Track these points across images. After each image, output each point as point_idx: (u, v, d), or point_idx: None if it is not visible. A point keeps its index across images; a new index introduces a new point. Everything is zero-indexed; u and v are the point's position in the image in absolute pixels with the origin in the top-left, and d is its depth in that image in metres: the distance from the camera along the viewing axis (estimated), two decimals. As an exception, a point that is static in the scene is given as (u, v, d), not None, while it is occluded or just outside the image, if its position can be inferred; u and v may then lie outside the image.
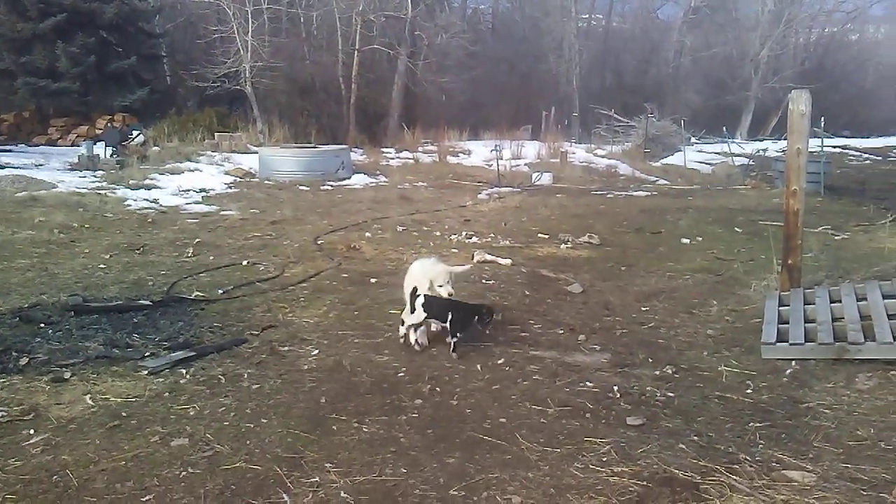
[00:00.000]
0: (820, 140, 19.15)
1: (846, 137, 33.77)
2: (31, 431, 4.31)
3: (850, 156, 28.49)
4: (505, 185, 17.96)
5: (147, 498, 3.64)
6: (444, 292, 5.89)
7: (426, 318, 5.77)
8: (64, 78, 24.59)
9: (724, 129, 27.26)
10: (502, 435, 4.46)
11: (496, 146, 21.22)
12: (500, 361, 5.70)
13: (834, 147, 27.33)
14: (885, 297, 6.17)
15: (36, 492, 3.68)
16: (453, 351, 5.72)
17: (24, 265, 8.19)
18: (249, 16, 25.10)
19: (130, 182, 14.72)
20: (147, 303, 6.83)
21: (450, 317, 5.65)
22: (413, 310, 5.75)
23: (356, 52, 27.63)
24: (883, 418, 4.63)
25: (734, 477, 3.89)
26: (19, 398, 4.73)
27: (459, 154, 24.29)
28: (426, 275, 5.96)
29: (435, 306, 5.75)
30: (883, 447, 4.24)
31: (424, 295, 5.72)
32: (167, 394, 4.90)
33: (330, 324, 6.55)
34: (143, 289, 7.48)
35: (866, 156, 28.63)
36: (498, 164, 19.72)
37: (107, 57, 25.53)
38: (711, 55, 41.75)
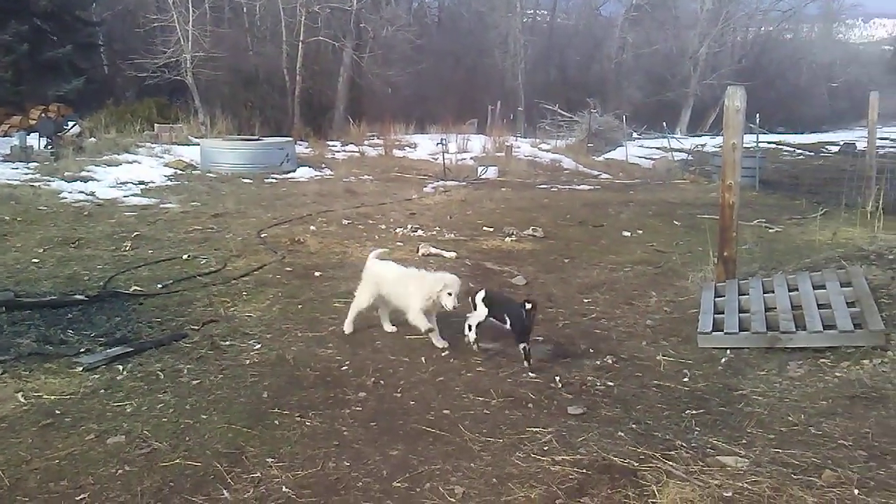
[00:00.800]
0: (755, 136, 19.72)
1: (781, 133, 34.83)
2: (-41, 431, 4.17)
3: (785, 151, 29.39)
4: (451, 178, 17.99)
5: (82, 497, 3.55)
6: (450, 304, 5.66)
7: (488, 315, 5.59)
8: (-5, 67, 23.67)
9: (665, 124, 27.87)
10: (446, 426, 4.49)
11: (442, 140, 21.23)
12: (444, 353, 5.72)
13: (769, 143, 28.14)
14: (815, 287, 6.39)
15: (-36, 493, 3.56)
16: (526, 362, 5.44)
17: (-49, 260, 7.89)
18: (190, 4, 24.54)
19: (66, 174, 14.25)
20: (82, 298, 6.64)
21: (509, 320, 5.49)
22: (475, 307, 5.63)
23: (301, 43, 27.28)
24: (813, 404, 4.80)
25: (670, 463, 4.00)
26: (-54, 397, 4.56)
27: (405, 147, 24.23)
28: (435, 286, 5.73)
29: (496, 303, 5.63)
30: (813, 432, 4.40)
31: (486, 290, 5.72)
32: (103, 390, 4.79)
33: (273, 317, 6.48)
34: (79, 283, 7.27)
35: (799, 151, 29.58)
36: (444, 158, 19.74)
37: (41, 45, 24.64)
38: (652, 52, 42.56)
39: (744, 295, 6.62)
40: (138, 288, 7.18)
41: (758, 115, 19.31)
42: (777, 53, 48.56)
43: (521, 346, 5.40)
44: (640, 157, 24.11)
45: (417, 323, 5.80)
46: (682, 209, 13.47)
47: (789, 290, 6.46)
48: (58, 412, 4.45)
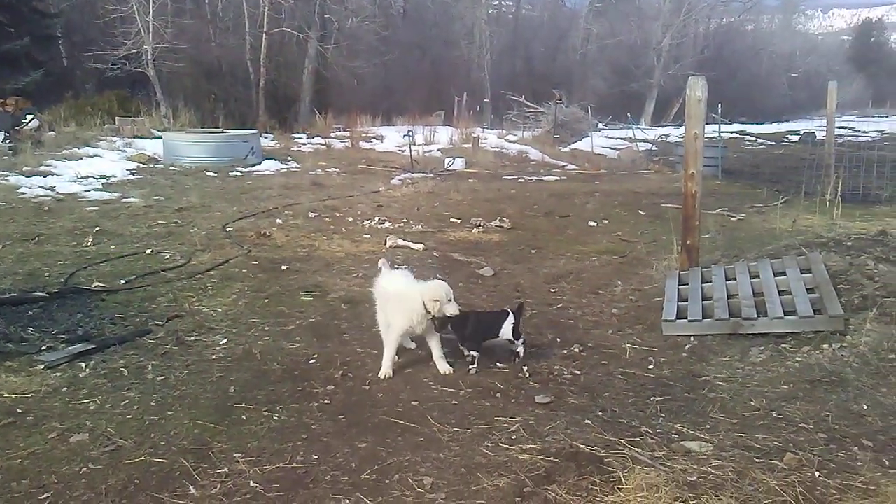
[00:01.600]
0: (717, 126, 19.98)
1: (742, 123, 35.37)
2: (-84, 432, 4.07)
3: (747, 141, 29.87)
4: (418, 170, 17.97)
5: (45, 496, 3.50)
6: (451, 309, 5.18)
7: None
8: (-52, 59, 23.07)
9: (629, 115, 28.14)
10: (414, 418, 4.49)
11: (409, 132, 21.20)
12: (412, 346, 5.72)
13: (731, 133, 28.58)
14: (775, 274, 6.51)
15: (-78, 495, 3.49)
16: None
17: None
18: (150, -5, 24.15)
19: (24, 169, 13.96)
20: (43, 294, 6.52)
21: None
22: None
23: (264, 34, 27.01)
24: (774, 389, 4.90)
25: (636, 449, 4.05)
26: None
27: (372, 139, 24.15)
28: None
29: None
30: (774, 416, 4.49)
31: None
32: (65, 388, 4.71)
33: (239, 312, 6.43)
34: (39, 280, 7.13)
35: (761, 141, 30.09)
36: (411, 150, 19.71)
37: (-4, 37, 24.07)
38: (617, 43, 42.90)
39: (707, 282, 6.72)
40: (101, 284, 7.06)
41: (720, 105, 19.57)
42: (738, 44, 49.25)
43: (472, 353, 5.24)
44: (605, 148, 24.31)
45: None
46: (647, 199, 13.62)
47: (751, 277, 6.57)
48: (19, 411, 4.37)
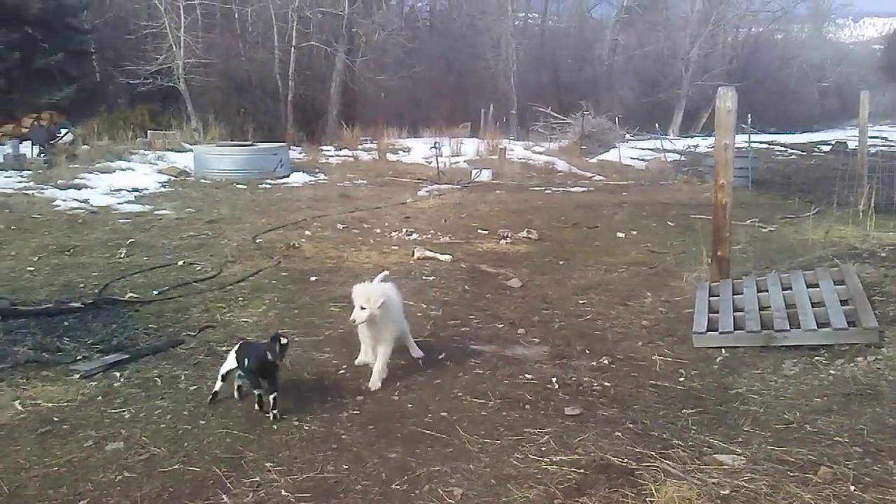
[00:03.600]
0: (747, 136, 19.79)
1: (772, 133, 34.95)
2: (-43, 440, 4.16)
3: (777, 151, 29.52)
4: (444, 182, 18.03)
5: (81, 503, 3.56)
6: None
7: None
8: (-14, 75, 23.63)
9: (657, 125, 27.96)
10: (443, 428, 4.50)
11: (435, 143, 21.29)
12: (441, 356, 5.74)
13: (761, 143, 28.29)
14: (808, 286, 6.43)
15: (-37, 501, 3.56)
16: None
17: (-55, 269, 7.87)
18: (182, 11, 24.56)
19: (59, 182, 14.23)
20: (78, 305, 6.64)
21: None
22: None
23: (293, 48, 27.33)
24: (808, 402, 4.83)
25: (668, 462, 4.02)
26: (-57, 406, 4.56)
27: (399, 151, 24.27)
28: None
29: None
30: (808, 430, 4.43)
31: (241, 343, 4.88)
32: (101, 397, 4.79)
33: (269, 323, 6.48)
34: (74, 291, 7.27)
35: (791, 151, 29.71)
36: (437, 162, 19.78)
37: (32, 53, 24.62)
38: (644, 54, 42.72)
39: (738, 294, 6.66)
40: (134, 295, 7.17)
41: (749, 116, 19.39)
42: (768, 54, 48.77)
43: (270, 395, 4.56)
44: (633, 159, 24.20)
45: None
46: (676, 210, 13.52)
47: (783, 289, 6.50)
48: (56, 419, 4.45)
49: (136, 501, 3.58)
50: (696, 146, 28.66)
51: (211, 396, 4.72)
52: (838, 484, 3.72)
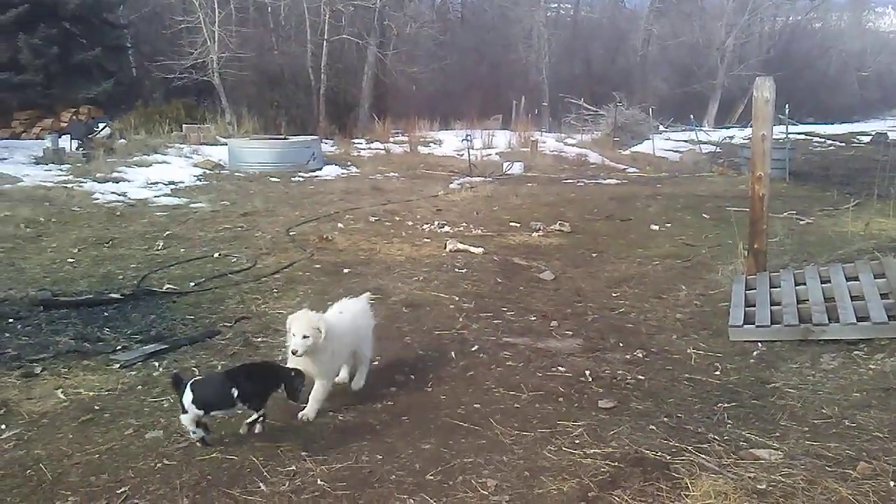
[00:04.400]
0: (785, 127, 19.46)
1: (810, 124, 34.29)
2: (3, 427, 4.27)
3: (815, 142, 28.96)
4: (476, 174, 18.00)
5: (123, 490, 3.63)
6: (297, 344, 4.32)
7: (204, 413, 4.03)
8: (26, 70, 24.06)
9: (692, 117, 27.57)
10: (477, 420, 4.51)
11: (467, 136, 21.23)
12: (473, 349, 5.75)
13: (798, 134, 27.75)
14: (847, 279, 6.32)
15: (9, 486, 3.66)
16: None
17: (-11, 260, 8.06)
18: (216, 5, 24.79)
19: (97, 175, 14.49)
20: (117, 296, 6.77)
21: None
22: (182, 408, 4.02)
23: (325, 42, 27.42)
24: (847, 397, 4.76)
25: (703, 456, 3.99)
26: (-11, 394, 4.68)
27: (430, 144, 24.27)
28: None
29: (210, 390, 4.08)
30: (847, 425, 4.37)
31: (190, 383, 4.04)
32: (140, 387, 4.88)
33: (303, 314, 6.53)
34: (113, 282, 7.41)
35: (830, 142, 29.11)
36: (469, 154, 19.75)
37: (70, 48, 25.03)
38: (678, 44, 42.12)
39: (775, 287, 6.57)
40: (171, 286, 7.29)
41: (787, 106, 19.05)
42: (805, 43, 47.77)
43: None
44: (667, 151, 23.91)
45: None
46: (711, 202, 13.35)
47: (821, 282, 6.40)
48: (97, 408, 4.55)
49: (175, 488, 3.65)
50: (731, 137, 28.23)
51: (201, 442, 4.06)
52: (877, 479, 3.67)
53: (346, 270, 8.08)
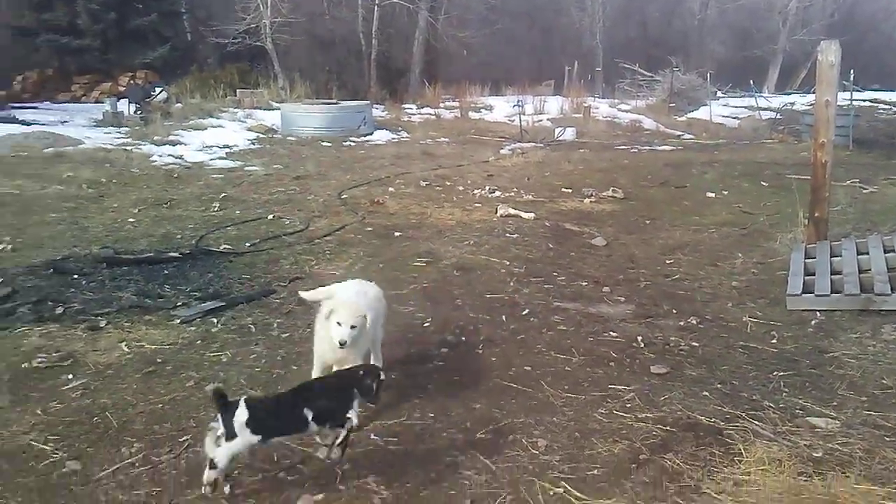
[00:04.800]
0: (849, 93, 18.76)
1: (876, 91, 32.96)
2: (70, 376, 4.45)
3: (880, 109, 27.84)
4: (527, 140, 17.84)
5: (185, 439, 3.76)
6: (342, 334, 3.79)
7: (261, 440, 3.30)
8: (85, 35, 24.61)
9: (751, 82, 26.78)
10: (527, 382, 4.53)
11: (518, 101, 21.02)
12: (524, 312, 5.75)
13: (863, 100, 26.74)
14: (913, 248, 6.13)
15: (77, 433, 3.82)
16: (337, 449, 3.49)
17: (54, 219, 8.33)
18: (268, -30, 24.86)
19: (155, 138, 14.80)
20: (176, 255, 6.95)
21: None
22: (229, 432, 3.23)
23: (376, 6, 27.31)
24: (908, 368, 4.64)
25: (757, 423, 3.95)
26: (57, 345, 4.87)
27: (481, 110, 24.11)
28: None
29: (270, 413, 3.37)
30: (907, 395, 4.26)
31: (245, 400, 3.30)
32: (199, 342, 5.02)
33: (355, 276, 6.58)
34: (172, 242, 7.59)
35: (896, 109, 27.97)
36: (520, 120, 19.56)
37: (127, 14, 25.47)
38: (738, 7, 40.72)
39: (836, 256, 6.40)
40: (228, 246, 7.44)
41: (852, 72, 18.35)
42: (871, 5, 45.71)
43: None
44: (724, 117, 23.32)
45: None
46: (770, 169, 13.01)
47: (885, 252, 6.20)
48: (159, 361, 4.70)
49: (234, 439, 3.76)
50: (792, 104, 27.33)
51: (212, 486, 3.28)
52: (939, 451, 3.59)
53: (397, 234, 8.13)
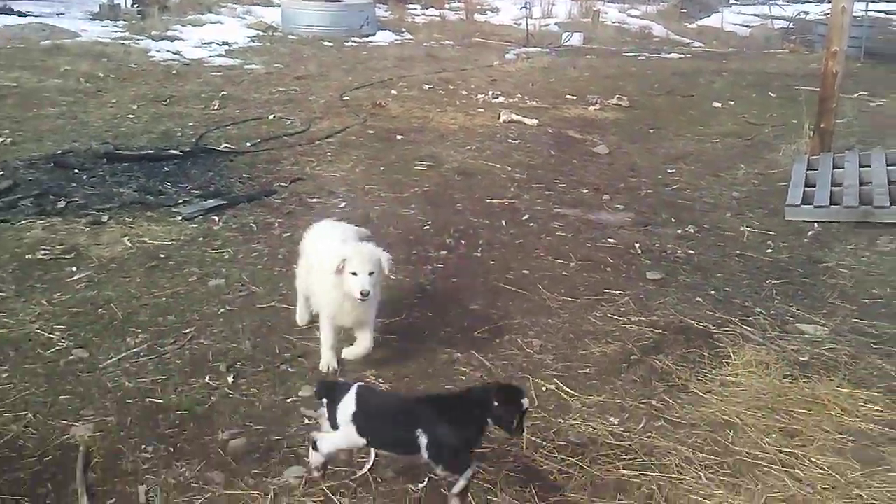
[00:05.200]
0: (864, 3, 18.19)
1: (892, 2, 32.00)
2: (74, 269, 4.52)
3: (895, 22, 27.13)
4: (533, 45, 17.42)
5: (188, 331, 3.87)
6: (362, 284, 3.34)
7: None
8: (78, -78, 23.64)
9: (766, -11, 25.93)
10: (524, 285, 4.62)
11: (525, 4, 20.39)
12: (524, 218, 5.79)
13: (878, 11, 25.98)
14: (916, 162, 6.11)
15: (83, 322, 3.92)
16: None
17: (53, 113, 8.23)
18: None
19: (153, 33, 14.42)
20: (177, 153, 6.92)
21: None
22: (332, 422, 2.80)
23: None
24: (900, 279, 4.71)
25: (748, 328, 4.05)
26: (60, 238, 4.92)
27: (487, 12, 23.42)
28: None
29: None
30: (897, 305, 4.36)
31: (359, 387, 2.83)
32: (201, 238, 5.07)
33: (357, 178, 6.62)
34: (172, 139, 7.54)
35: (913, 22, 27.23)
36: (527, 24, 19.04)
37: None
38: None
39: (838, 168, 6.39)
40: (228, 145, 7.40)
41: (870, -20, 17.71)
42: None
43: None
44: (736, 25, 22.68)
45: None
46: (779, 80, 12.76)
47: (888, 165, 6.19)
48: (161, 256, 4.76)
49: (237, 332, 3.87)
50: (806, 13, 26.58)
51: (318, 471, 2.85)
52: (924, 359, 3.70)
53: (399, 137, 8.07)
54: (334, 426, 2.77)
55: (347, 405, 2.74)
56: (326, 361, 3.60)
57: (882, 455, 3.02)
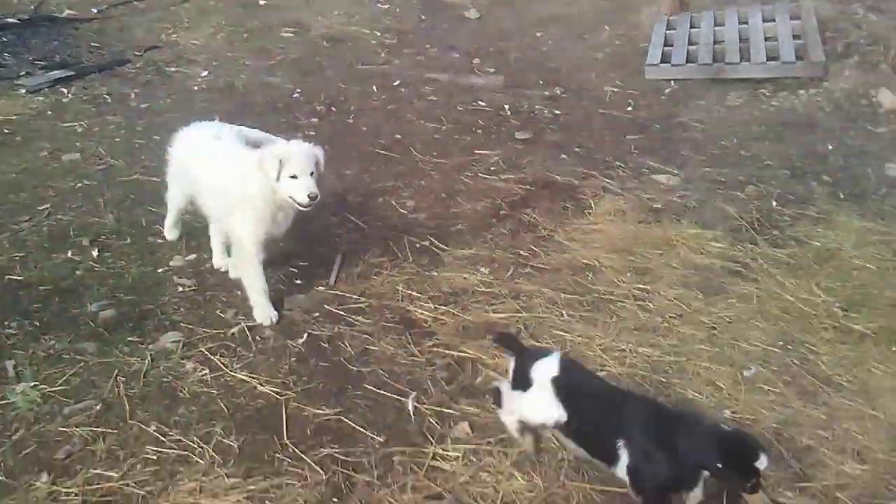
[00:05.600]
0: None
1: None
2: None
3: None
4: None
5: (45, 207, 3.69)
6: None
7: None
8: None
9: None
10: (397, 150, 4.64)
11: None
12: (395, 83, 5.73)
13: None
14: (764, 20, 6.37)
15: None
16: None
17: None
18: None
19: None
20: (14, 20, 6.30)
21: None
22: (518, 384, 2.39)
23: None
24: (747, 130, 5.04)
25: (608, 181, 4.27)
26: None
27: None
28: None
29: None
30: (742, 154, 4.69)
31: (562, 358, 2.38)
32: (50, 112, 4.76)
33: (219, 46, 6.29)
34: (8, 7, 6.81)
35: None
36: None
37: None
38: None
39: (695, 28, 6.60)
40: (72, 12, 6.80)
41: None
42: None
43: None
44: None
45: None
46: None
47: (739, 23, 6.45)
48: (6, 131, 4.45)
49: (98, 206, 3.73)
50: None
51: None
52: (763, 200, 4.04)
53: (262, 2, 7.64)
54: (521, 385, 2.31)
55: (548, 366, 2.29)
56: (266, 313, 3.02)
57: (723, 285, 3.33)
